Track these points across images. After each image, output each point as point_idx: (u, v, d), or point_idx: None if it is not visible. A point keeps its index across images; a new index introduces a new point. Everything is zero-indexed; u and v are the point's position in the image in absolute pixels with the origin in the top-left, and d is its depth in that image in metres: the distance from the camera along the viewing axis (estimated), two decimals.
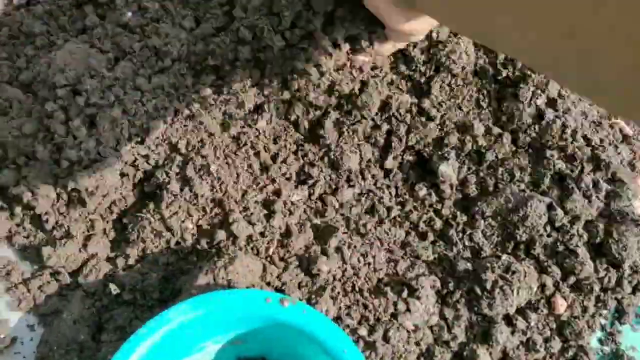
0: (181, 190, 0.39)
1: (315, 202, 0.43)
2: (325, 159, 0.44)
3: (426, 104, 0.45)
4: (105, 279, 0.40)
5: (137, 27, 0.45)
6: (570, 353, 0.42)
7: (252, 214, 0.40)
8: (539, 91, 0.46)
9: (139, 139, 0.41)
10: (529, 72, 0.47)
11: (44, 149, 0.41)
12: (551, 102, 0.47)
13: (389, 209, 0.44)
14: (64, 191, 0.40)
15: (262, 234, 0.40)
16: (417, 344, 0.41)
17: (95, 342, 0.38)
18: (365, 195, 0.44)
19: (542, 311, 0.42)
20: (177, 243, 0.41)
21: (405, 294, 0.40)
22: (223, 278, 0.37)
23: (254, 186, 0.41)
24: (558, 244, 0.43)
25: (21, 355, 0.39)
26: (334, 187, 0.44)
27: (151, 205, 0.40)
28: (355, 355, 0.34)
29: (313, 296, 0.39)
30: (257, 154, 0.43)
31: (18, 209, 0.41)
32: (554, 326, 0.42)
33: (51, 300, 0.40)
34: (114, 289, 0.40)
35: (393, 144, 0.44)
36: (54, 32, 0.47)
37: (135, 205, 0.41)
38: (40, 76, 0.42)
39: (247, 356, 0.41)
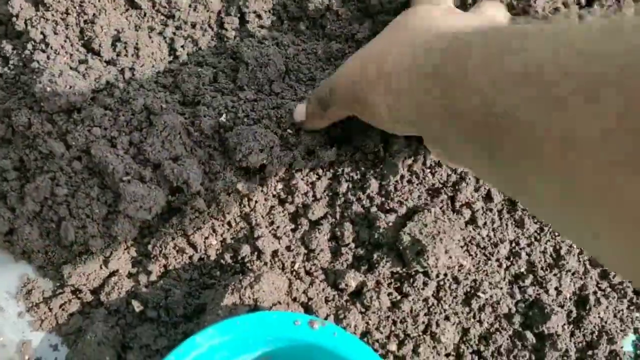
0: (208, 207, 0.38)
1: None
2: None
3: None
4: (127, 296, 0.39)
5: None
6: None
7: (278, 227, 0.39)
8: None
9: None
10: None
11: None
12: None
13: None
14: None
15: (288, 248, 0.39)
16: (448, 355, 0.40)
17: None
18: None
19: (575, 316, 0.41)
20: (201, 259, 0.40)
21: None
22: (249, 297, 0.36)
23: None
24: None
25: None
26: None
27: (174, 220, 0.39)
28: None
29: (340, 311, 0.38)
30: None
31: None
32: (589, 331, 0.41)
33: (73, 319, 0.39)
34: (137, 306, 0.39)
35: None
36: None
37: (157, 219, 0.40)
38: None
39: None
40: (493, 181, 0.29)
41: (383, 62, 0.30)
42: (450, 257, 0.38)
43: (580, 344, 0.41)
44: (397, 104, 0.29)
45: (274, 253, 0.39)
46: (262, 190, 0.39)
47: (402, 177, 0.39)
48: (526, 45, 0.20)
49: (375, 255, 0.39)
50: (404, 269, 0.38)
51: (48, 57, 0.40)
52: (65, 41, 0.41)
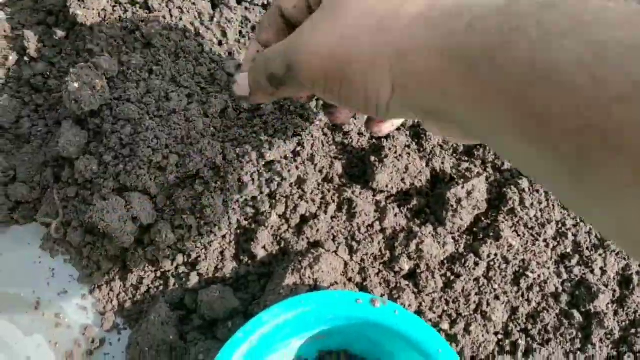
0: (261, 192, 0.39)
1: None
2: None
3: None
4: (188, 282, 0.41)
5: None
6: None
7: (328, 208, 0.40)
8: None
9: None
10: None
11: None
12: None
13: None
14: None
15: (342, 232, 0.40)
16: (497, 333, 0.41)
17: (183, 341, 0.39)
18: None
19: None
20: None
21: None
22: (309, 277, 0.37)
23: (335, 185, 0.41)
24: None
25: (110, 356, 0.40)
26: None
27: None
28: (450, 354, 0.35)
29: (395, 291, 0.40)
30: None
31: None
32: None
33: (136, 301, 0.41)
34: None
35: None
36: None
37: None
38: None
39: (329, 350, 0.42)
40: (559, 194, 0.21)
41: (385, 36, 0.23)
42: (500, 238, 0.39)
43: (624, 323, 0.42)
44: (412, 89, 0.23)
45: (331, 236, 0.40)
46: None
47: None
48: None
49: None
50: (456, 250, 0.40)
51: None
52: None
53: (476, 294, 0.40)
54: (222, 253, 0.40)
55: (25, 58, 0.45)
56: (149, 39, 0.43)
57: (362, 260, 0.40)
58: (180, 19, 0.45)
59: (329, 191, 0.41)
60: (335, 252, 0.40)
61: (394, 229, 0.40)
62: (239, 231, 0.40)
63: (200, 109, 0.41)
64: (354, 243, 0.40)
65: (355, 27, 0.25)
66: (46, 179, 0.43)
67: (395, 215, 0.40)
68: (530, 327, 0.42)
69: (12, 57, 0.46)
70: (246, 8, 0.48)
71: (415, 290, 0.40)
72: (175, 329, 0.39)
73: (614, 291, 0.42)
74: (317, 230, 0.39)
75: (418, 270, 0.40)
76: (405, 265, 0.40)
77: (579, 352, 0.41)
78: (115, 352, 0.40)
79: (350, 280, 0.40)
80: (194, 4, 0.46)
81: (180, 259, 0.40)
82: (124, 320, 0.41)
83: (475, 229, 0.42)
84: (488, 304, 0.40)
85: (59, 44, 0.45)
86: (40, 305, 0.41)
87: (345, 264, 0.40)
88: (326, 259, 0.38)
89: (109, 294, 0.41)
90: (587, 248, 0.42)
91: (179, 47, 0.44)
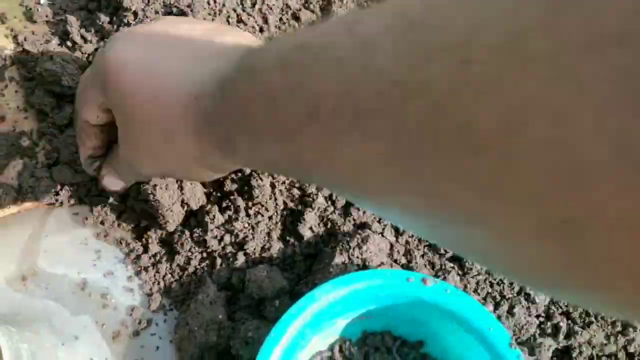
0: None
1: None
2: None
3: None
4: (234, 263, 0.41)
5: None
6: None
7: None
8: None
9: None
10: None
11: None
12: None
13: None
14: None
15: None
16: (538, 316, 0.42)
17: (231, 320, 0.39)
18: None
19: None
20: None
21: None
22: (358, 257, 0.38)
23: None
24: None
25: (157, 336, 0.40)
26: None
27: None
28: (501, 332, 0.35)
29: (440, 273, 0.40)
30: None
31: None
32: None
33: (183, 282, 0.41)
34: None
35: None
36: None
37: None
38: None
39: (372, 331, 0.42)
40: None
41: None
42: None
43: None
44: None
45: (377, 217, 0.41)
46: None
47: None
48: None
49: None
50: None
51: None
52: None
53: None
54: (268, 234, 0.41)
55: (68, 43, 0.46)
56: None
57: (407, 242, 0.41)
58: (224, 4, 0.45)
59: None
60: (382, 233, 0.40)
61: None
62: (285, 212, 0.41)
63: None
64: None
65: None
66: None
67: None
68: (571, 310, 0.42)
69: (54, 42, 0.46)
70: None
71: (460, 272, 0.40)
72: (224, 308, 0.39)
73: None
74: (364, 212, 0.40)
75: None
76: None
77: (619, 335, 0.42)
78: (161, 333, 0.40)
79: (395, 261, 0.40)
80: None
81: (227, 239, 0.40)
82: (171, 301, 0.41)
83: None
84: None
85: (102, 29, 0.46)
86: (87, 286, 0.41)
87: (391, 246, 0.40)
88: (373, 240, 0.39)
89: (155, 275, 0.41)
90: None
91: None
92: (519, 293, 0.41)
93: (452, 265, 0.40)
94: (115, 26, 0.45)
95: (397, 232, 0.40)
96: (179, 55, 0.29)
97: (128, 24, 0.44)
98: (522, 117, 0.12)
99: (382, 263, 0.39)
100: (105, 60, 0.30)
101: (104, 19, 0.45)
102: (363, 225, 0.40)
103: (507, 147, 0.13)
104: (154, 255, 0.41)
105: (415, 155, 0.16)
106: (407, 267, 0.40)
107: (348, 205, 0.41)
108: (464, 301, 0.36)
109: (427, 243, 0.41)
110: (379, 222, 0.40)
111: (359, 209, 0.40)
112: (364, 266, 0.38)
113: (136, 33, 0.32)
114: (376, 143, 0.17)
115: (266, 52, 0.24)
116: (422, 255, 0.41)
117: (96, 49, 0.46)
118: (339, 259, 0.38)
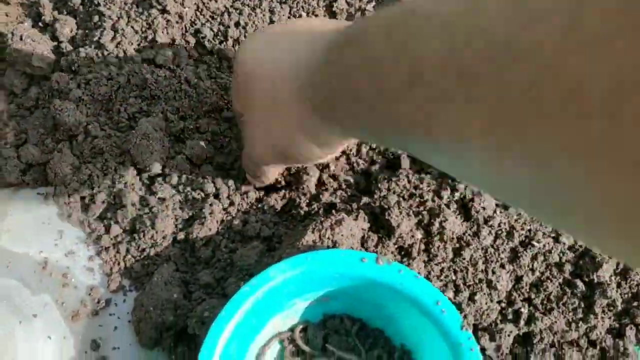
0: None
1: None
2: None
3: None
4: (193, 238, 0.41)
5: None
6: None
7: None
8: None
9: None
10: None
11: None
12: None
13: None
14: None
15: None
16: (500, 302, 0.41)
17: (187, 300, 0.39)
18: None
19: None
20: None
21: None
22: (329, 238, 0.38)
23: None
24: None
25: (115, 317, 0.40)
26: None
27: None
28: (448, 306, 0.35)
29: (405, 259, 0.40)
30: None
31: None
32: None
33: (142, 263, 0.41)
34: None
35: None
36: None
37: None
38: None
39: (332, 313, 0.42)
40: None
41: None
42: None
43: (627, 295, 0.43)
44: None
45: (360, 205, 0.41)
46: None
47: None
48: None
49: None
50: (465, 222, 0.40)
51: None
52: None
53: (483, 262, 0.41)
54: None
55: (40, 24, 0.46)
56: (164, 5, 0.44)
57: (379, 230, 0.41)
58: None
59: None
60: (356, 219, 0.40)
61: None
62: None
63: None
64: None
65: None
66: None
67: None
68: (533, 296, 0.42)
69: (27, 24, 0.46)
70: None
71: (426, 258, 0.40)
72: (180, 288, 0.39)
73: (617, 263, 0.43)
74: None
75: (431, 241, 0.40)
76: (419, 234, 0.40)
77: (580, 322, 0.41)
78: (120, 313, 0.40)
79: (366, 250, 0.40)
80: None
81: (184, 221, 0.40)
82: (131, 282, 0.41)
83: None
84: (494, 273, 0.41)
85: (74, 10, 0.46)
86: (48, 265, 0.41)
87: (364, 235, 0.40)
88: (348, 224, 0.39)
89: (115, 255, 0.41)
90: None
91: None
92: (480, 280, 0.41)
93: (419, 251, 0.40)
94: (87, 8, 0.45)
95: (371, 225, 0.41)
96: (292, 39, 0.32)
97: (98, 5, 0.44)
98: (636, 78, 0.12)
99: (352, 248, 0.39)
100: (237, 57, 0.35)
101: (75, 0, 0.45)
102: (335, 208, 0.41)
103: (619, 110, 0.12)
104: (116, 237, 0.41)
105: (519, 122, 0.15)
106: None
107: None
108: (416, 282, 0.35)
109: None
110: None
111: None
112: (333, 248, 0.38)
113: (259, 32, 0.37)
114: (479, 107, 0.17)
115: (372, 20, 0.25)
116: (395, 243, 0.40)
117: (71, 31, 0.46)
118: (309, 237, 0.38)
